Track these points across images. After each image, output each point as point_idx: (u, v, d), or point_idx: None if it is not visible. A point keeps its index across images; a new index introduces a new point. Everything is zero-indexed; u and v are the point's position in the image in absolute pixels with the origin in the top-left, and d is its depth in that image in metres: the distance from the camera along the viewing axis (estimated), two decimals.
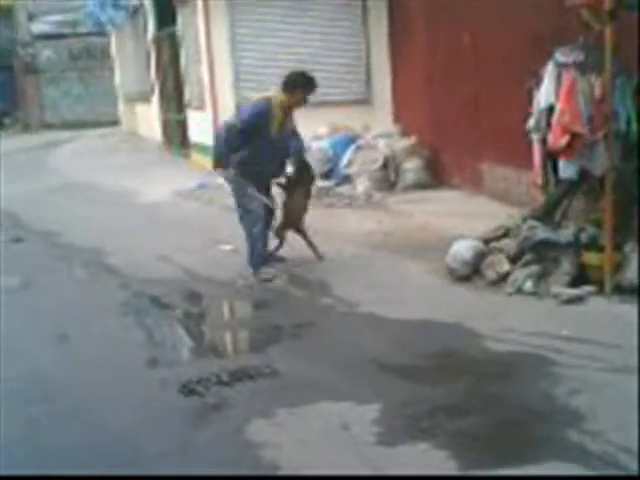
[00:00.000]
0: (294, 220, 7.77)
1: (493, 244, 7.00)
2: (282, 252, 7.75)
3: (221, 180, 12.46)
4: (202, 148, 14.69)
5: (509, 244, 6.85)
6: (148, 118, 20.48)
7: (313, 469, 3.96)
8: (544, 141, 6.91)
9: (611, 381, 4.75)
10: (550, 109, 6.76)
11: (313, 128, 11.69)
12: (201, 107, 14.44)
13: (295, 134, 7.55)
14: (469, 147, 10.66)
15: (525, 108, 7.18)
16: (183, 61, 15.93)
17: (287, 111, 7.32)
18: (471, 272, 6.84)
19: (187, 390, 5.00)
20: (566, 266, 6.39)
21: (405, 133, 12.29)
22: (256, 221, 7.29)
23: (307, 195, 7.89)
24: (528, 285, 6.41)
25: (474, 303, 6.38)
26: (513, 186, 9.47)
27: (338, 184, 11.48)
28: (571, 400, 4.52)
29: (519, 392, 4.73)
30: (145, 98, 20.26)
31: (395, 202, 10.57)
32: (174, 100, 17.54)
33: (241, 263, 7.61)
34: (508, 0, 9.38)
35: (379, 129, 12.38)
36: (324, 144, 12.09)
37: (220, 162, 7.28)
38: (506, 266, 6.66)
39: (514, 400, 4.64)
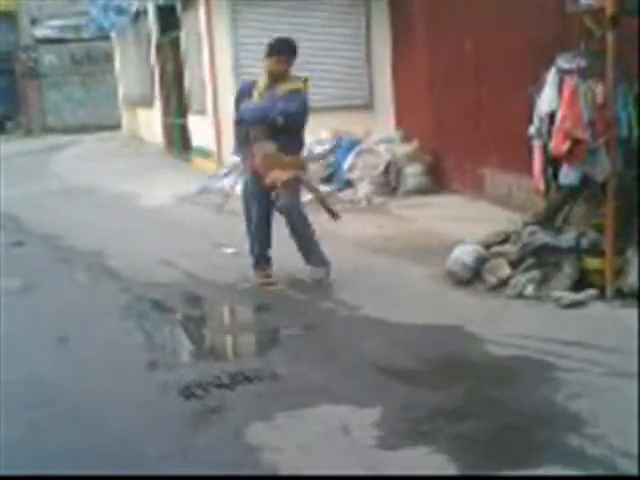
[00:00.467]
0: None
1: (494, 249, 7.00)
2: (281, 255, 7.72)
3: (223, 184, 12.57)
4: (203, 152, 14.72)
5: (510, 249, 6.85)
6: (150, 122, 20.51)
7: (313, 472, 3.95)
8: (546, 147, 6.91)
9: (612, 386, 4.75)
10: (552, 115, 6.76)
11: (315, 133, 11.70)
12: (202, 111, 14.47)
13: (290, 98, 7.13)
14: (470, 152, 10.66)
15: (527, 114, 7.18)
16: (185, 65, 15.96)
17: (272, 77, 7.20)
18: (472, 276, 6.84)
19: (187, 393, 4.99)
20: (567, 271, 6.40)
21: (407, 138, 12.31)
22: (247, 220, 7.40)
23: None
24: (529, 290, 6.41)
25: (475, 307, 6.37)
26: (514, 191, 9.48)
27: (340, 189, 11.50)
28: (572, 404, 4.51)
29: (520, 396, 4.72)
30: (147, 102, 20.29)
31: (396, 207, 10.58)
32: (176, 104, 17.57)
33: (242, 266, 7.61)
34: (510, 6, 9.40)
35: (381, 134, 12.40)
36: (326, 149, 12.10)
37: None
38: (507, 271, 6.66)
39: (515, 404, 4.63)
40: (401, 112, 13.22)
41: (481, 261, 6.86)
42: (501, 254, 6.86)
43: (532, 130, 7.04)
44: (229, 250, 8.50)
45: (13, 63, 29.96)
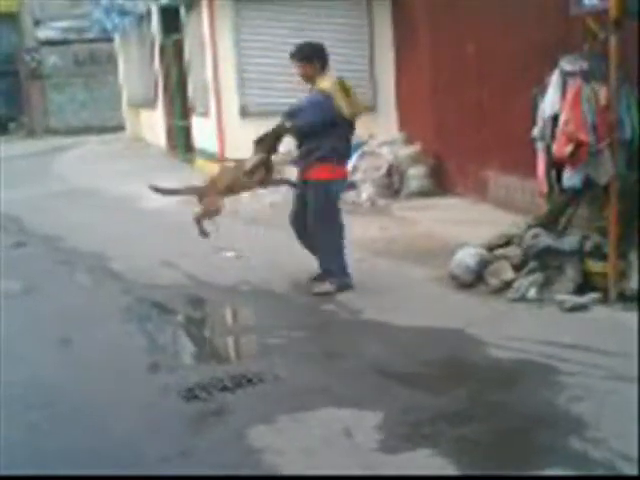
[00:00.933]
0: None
1: (497, 251, 6.98)
2: (283, 258, 7.71)
3: None
4: (207, 154, 14.71)
5: (513, 252, 6.84)
6: (152, 124, 20.51)
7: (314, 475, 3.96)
8: (549, 149, 6.90)
9: (614, 389, 4.74)
10: (555, 117, 6.75)
11: None
12: (205, 113, 14.47)
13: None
14: (473, 155, 10.65)
15: (530, 116, 7.17)
16: (188, 67, 15.96)
17: (305, 81, 7.22)
18: (475, 279, 6.83)
19: (189, 395, 4.99)
20: (570, 274, 6.38)
21: (409, 140, 12.30)
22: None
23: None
24: (532, 292, 6.39)
25: (477, 310, 6.36)
26: (517, 194, 9.46)
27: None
28: (574, 408, 4.50)
29: (522, 399, 4.72)
30: (150, 104, 20.29)
31: (399, 209, 10.57)
32: (178, 106, 17.57)
33: (243, 269, 7.60)
34: (513, 9, 9.39)
35: (384, 136, 12.38)
36: None
37: None
38: (510, 273, 6.65)
39: (517, 407, 4.62)
40: (404, 114, 13.21)
41: (484, 264, 6.84)
42: (504, 257, 6.85)
43: (535, 132, 7.03)
44: (230, 253, 8.50)
45: (16, 64, 29.94)
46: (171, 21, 16.98)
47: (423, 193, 11.28)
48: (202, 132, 15.19)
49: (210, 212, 7.14)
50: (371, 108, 13.39)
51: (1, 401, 5.00)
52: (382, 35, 13.40)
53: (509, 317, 6.16)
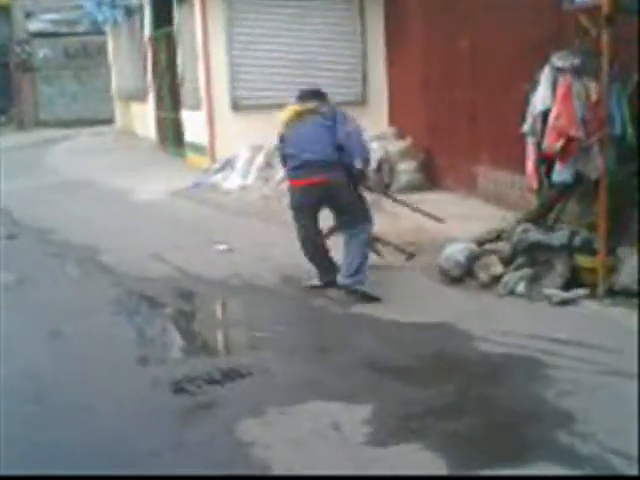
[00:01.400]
0: None
1: (486, 246, 7.01)
2: (276, 253, 7.70)
3: (216, 179, 12.56)
4: (197, 147, 14.69)
5: (502, 246, 6.86)
6: (143, 117, 20.45)
7: (304, 469, 3.96)
8: (539, 145, 6.91)
9: (603, 383, 4.76)
10: (545, 113, 6.76)
11: None
12: (197, 106, 14.43)
13: None
14: (464, 150, 10.66)
15: (521, 112, 7.18)
16: (179, 60, 15.92)
17: None
18: (464, 274, 6.85)
19: (178, 388, 5.00)
20: (559, 269, 6.40)
21: (400, 135, 12.30)
22: None
23: None
24: (521, 287, 6.41)
25: (467, 305, 6.38)
26: (507, 189, 9.48)
27: None
28: (562, 402, 4.52)
29: (511, 394, 4.74)
30: (141, 97, 20.23)
31: (389, 204, 10.50)
32: (169, 99, 17.52)
33: (235, 262, 7.60)
34: (505, 4, 9.40)
35: (374, 131, 12.37)
36: None
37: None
38: (499, 268, 6.67)
39: (506, 401, 4.64)
40: (395, 109, 13.21)
41: (473, 258, 6.86)
42: (493, 252, 6.87)
43: (526, 128, 7.05)
44: (221, 247, 8.49)
45: (7, 57, 29.84)
46: (163, 14, 16.92)
47: (413, 188, 11.28)
48: (193, 125, 15.16)
49: None
50: (362, 102, 13.40)
51: None
52: (374, 29, 13.39)
53: (498, 312, 6.18)
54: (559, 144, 6.52)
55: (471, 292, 6.64)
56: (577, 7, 6.63)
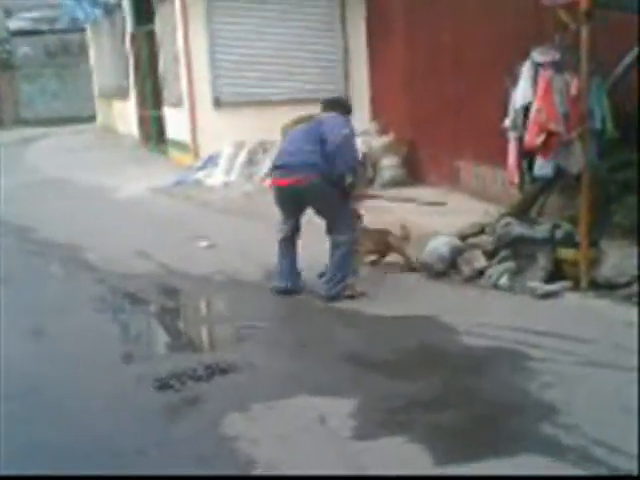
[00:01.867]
0: None
1: (470, 240, 7.04)
2: (261, 250, 7.68)
3: (199, 176, 12.54)
4: (179, 144, 14.66)
5: (485, 240, 6.90)
6: (125, 114, 20.39)
7: (290, 463, 3.96)
8: (521, 139, 6.95)
9: (585, 375, 4.80)
10: (527, 108, 6.80)
11: None
12: (178, 104, 14.41)
13: None
14: (447, 144, 10.70)
15: (502, 106, 7.22)
16: (161, 58, 15.88)
17: None
18: (448, 268, 6.88)
19: (163, 385, 4.99)
20: (542, 262, 6.44)
21: (383, 130, 12.33)
22: None
23: None
24: (504, 280, 6.45)
25: (450, 298, 6.41)
26: (490, 183, 9.52)
27: None
28: (545, 394, 4.56)
29: (494, 386, 4.76)
30: (122, 95, 20.17)
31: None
32: (151, 97, 17.48)
33: (219, 258, 7.57)
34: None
35: (357, 126, 12.35)
36: None
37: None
38: (482, 262, 6.71)
39: (489, 394, 4.67)
40: (377, 104, 13.22)
41: (457, 252, 6.89)
42: (477, 246, 6.91)
43: (507, 122, 7.09)
44: (204, 243, 8.49)
45: None
46: (143, 11, 16.88)
47: (396, 183, 11.32)
48: (175, 123, 15.13)
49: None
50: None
51: None
52: (355, 25, 13.40)
53: (482, 305, 6.21)
54: (540, 139, 6.56)
55: (455, 286, 6.67)
56: (557, 2, 6.65)
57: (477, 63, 9.72)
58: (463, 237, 7.09)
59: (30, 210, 11.21)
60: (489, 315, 5.94)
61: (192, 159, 13.51)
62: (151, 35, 16.59)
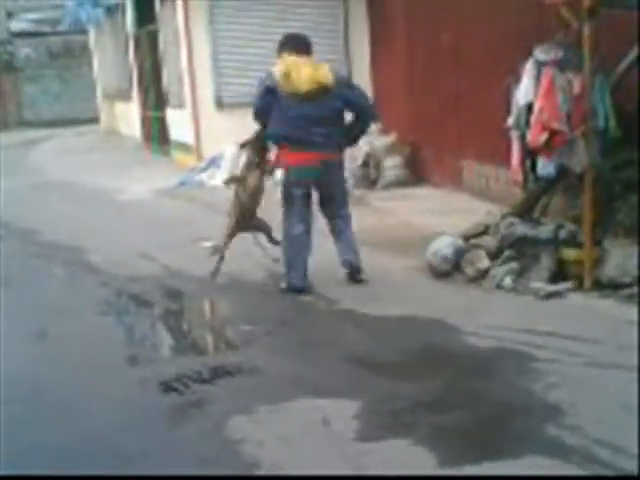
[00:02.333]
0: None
1: (473, 241, 7.02)
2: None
3: (202, 177, 12.54)
4: (182, 146, 14.67)
5: (489, 241, 6.88)
6: (128, 116, 20.40)
7: (294, 465, 3.96)
8: (523, 138, 6.93)
9: (590, 376, 4.78)
10: (529, 106, 6.78)
11: None
12: (181, 105, 14.41)
13: None
14: (449, 144, 10.68)
15: (505, 105, 7.20)
16: (163, 59, 15.89)
17: None
18: (451, 269, 6.86)
19: (167, 387, 4.99)
20: (545, 262, 6.43)
21: (385, 130, 12.31)
22: None
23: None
24: (507, 281, 6.43)
25: (454, 299, 6.40)
26: (493, 183, 9.51)
27: None
28: (550, 395, 4.54)
29: (499, 387, 4.75)
30: (124, 96, 20.18)
31: (376, 199, 10.59)
32: (154, 98, 17.49)
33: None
34: None
35: None
36: None
37: None
38: (486, 262, 6.69)
39: (494, 395, 4.66)
40: (380, 104, 13.11)
41: (460, 253, 6.88)
42: (480, 246, 6.89)
43: (510, 121, 7.07)
44: (207, 244, 8.47)
45: None
46: (145, 12, 16.88)
47: (399, 183, 11.31)
48: (177, 124, 15.14)
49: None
50: None
51: None
52: (357, 25, 13.40)
53: (485, 305, 6.20)
54: (543, 137, 6.54)
55: (459, 286, 6.66)
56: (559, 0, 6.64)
57: (479, 62, 9.71)
58: (466, 238, 7.08)
59: (33, 212, 11.23)
60: (493, 316, 5.93)
61: (195, 160, 13.52)
62: (154, 36, 16.60)
